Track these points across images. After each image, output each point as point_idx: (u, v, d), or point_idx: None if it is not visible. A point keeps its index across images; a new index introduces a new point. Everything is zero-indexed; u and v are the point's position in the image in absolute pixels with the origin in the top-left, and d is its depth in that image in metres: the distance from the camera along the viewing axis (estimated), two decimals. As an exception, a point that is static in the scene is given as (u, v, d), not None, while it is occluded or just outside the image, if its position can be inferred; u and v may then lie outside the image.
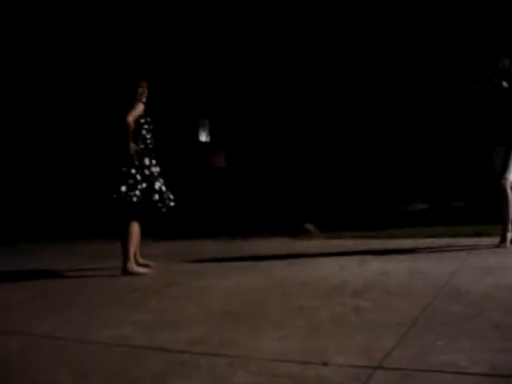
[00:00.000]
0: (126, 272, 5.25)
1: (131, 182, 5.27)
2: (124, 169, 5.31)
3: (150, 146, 5.57)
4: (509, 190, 5.62)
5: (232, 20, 12.96)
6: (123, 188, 5.24)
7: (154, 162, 5.55)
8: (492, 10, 10.91)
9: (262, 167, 13.42)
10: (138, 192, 5.26)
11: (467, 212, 6.79)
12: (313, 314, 3.26)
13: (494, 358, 2.28)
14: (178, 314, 3.50)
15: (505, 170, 5.64)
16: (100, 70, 13.26)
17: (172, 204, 5.56)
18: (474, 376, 2.10)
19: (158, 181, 5.48)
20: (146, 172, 5.39)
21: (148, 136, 5.56)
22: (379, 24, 11.96)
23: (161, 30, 13.23)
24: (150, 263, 5.56)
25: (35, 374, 2.47)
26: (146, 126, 5.55)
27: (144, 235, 5.66)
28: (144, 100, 5.63)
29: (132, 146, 5.33)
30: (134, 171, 5.31)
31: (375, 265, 5.08)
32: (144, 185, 5.33)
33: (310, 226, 8.63)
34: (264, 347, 2.65)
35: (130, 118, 5.32)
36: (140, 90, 5.59)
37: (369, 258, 5.57)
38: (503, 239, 5.65)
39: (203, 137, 14.66)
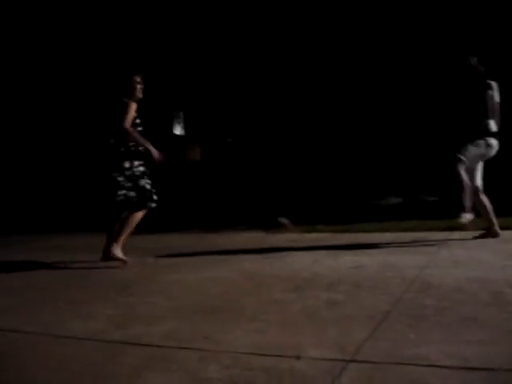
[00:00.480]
0: (108, 257, 5.22)
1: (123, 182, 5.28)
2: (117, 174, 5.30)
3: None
4: (463, 173, 5.73)
5: (207, 12, 12.89)
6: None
7: (140, 162, 5.51)
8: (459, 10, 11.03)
9: (237, 160, 13.40)
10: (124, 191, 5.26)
11: (440, 206, 6.85)
12: (286, 308, 3.26)
13: (466, 350, 2.30)
14: (151, 309, 3.47)
15: (464, 151, 5.76)
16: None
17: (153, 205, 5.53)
18: (445, 369, 2.11)
19: (143, 179, 5.44)
20: (135, 172, 5.37)
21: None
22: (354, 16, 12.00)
23: (135, 23, 13.11)
24: (125, 258, 5.53)
25: (4, 369, 2.43)
26: (139, 128, 5.49)
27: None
28: (140, 96, 5.51)
29: (154, 152, 5.33)
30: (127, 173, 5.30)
31: (348, 258, 5.10)
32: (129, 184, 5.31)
33: (284, 220, 8.65)
34: (237, 341, 2.64)
35: (127, 125, 5.23)
36: (133, 87, 5.46)
37: (342, 251, 5.60)
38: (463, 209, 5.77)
39: (178, 130, 14.57)
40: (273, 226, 8.39)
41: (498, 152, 5.92)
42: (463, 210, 5.65)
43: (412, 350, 2.34)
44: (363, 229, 7.58)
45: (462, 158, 5.72)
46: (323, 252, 5.64)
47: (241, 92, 13.19)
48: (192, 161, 14.14)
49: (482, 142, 5.81)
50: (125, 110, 5.28)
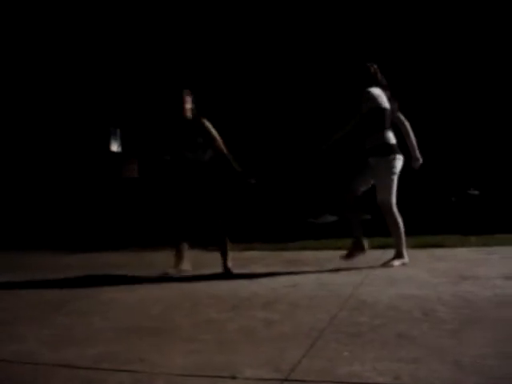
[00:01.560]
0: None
1: None
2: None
3: None
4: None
5: (143, 30, 12.83)
6: None
7: None
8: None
9: (175, 178, 13.30)
10: None
11: (374, 224, 6.97)
12: (222, 327, 3.25)
13: (398, 367, 2.34)
14: (85, 330, 3.39)
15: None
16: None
17: None
18: (378, 386, 2.15)
19: None
20: None
21: None
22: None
23: (73, 38, 12.92)
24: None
25: None
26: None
27: (55, 247, 5.48)
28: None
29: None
30: None
31: (284, 277, 5.13)
32: None
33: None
34: (172, 362, 2.61)
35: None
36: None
37: (278, 269, 5.63)
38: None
39: (115, 147, 14.38)
40: (210, 245, 8.34)
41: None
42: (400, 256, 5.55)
43: (346, 368, 2.37)
44: (300, 247, 7.64)
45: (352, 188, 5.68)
46: (260, 270, 5.66)
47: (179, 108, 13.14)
48: (129, 178, 13.98)
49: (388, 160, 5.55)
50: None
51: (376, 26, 11.78)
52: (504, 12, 11.28)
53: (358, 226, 5.76)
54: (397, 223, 5.51)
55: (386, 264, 5.48)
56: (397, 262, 5.46)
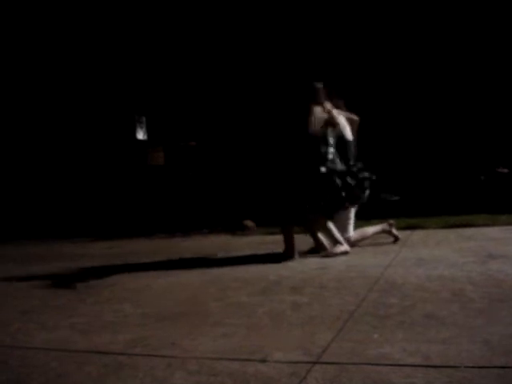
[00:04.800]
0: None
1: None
2: None
3: None
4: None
5: (166, 17, 12.82)
6: None
7: None
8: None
9: (201, 164, 13.35)
10: None
11: (401, 205, 6.94)
12: (251, 311, 3.28)
13: (428, 348, 2.35)
14: (115, 316, 3.45)
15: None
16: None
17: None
18: (408, 367, 2.16)
19: None
20: None
21: None
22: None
23: (95, 27, 12.97)
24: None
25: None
26: None
27: (81, 235, 5.53)
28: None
29: None
30: None
31: (312, 260, 5.13)
32: None
33: (248, 222, 8.64)
34: (202, 346, 2.65)
35: None
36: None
37: (305, 252, 5.62)
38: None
39: (140, 135, 14.45)
40: (238, 229, 8.38)
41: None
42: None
43: (376, 350, 2.38)
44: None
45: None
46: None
47: (203, 97, 13.15)
48: (155, 166, 14.05)
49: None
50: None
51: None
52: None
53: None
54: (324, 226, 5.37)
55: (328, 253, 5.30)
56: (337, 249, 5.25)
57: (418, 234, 6.41)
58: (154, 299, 3.90)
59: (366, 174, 5.54)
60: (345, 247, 5.26)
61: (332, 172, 5.27)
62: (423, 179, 9.17)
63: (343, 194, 5.28)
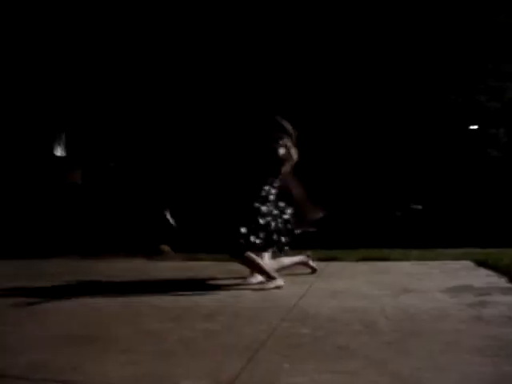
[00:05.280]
0: None
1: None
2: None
3: None
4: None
5: (93, 33, 12.66)
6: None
7: None
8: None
9: (120, 185, 13.13)
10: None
11: (318, 237, 7.02)
12: (162, 338, 3.19)
13: (338, 379, 2.34)
14: (20, 338, 3.28)
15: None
16: None
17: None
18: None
19: None
20: None
21: None
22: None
23: (14, 37, 12.62)
24: None
25: None
26: None
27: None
28: None
29: None
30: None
31: (228, 288, 5.10)
32: None
33: (165, 247, 8.53)
34: (110, 373, 2.54)
35: None
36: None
37: (222, 280, 5.59)
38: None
39: (59, 151, 14.10)
40: (154, 253, 8.26)
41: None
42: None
43: (286, 380, 2.35)
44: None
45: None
46: (203, 281, 5.61)
47: (124, 116, 12.99)
48: (73, 183, 13.71)
49: None
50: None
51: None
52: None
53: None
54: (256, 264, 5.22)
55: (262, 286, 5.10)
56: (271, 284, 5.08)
57: (334, 266, 6.50)
58: (62, 322, 3.74)
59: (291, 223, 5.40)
60: (279, 282, 5.06)
61: (268, 213, 5.17)
62: (342, 213, 9.36)
63: (275, 236, 5.18)
